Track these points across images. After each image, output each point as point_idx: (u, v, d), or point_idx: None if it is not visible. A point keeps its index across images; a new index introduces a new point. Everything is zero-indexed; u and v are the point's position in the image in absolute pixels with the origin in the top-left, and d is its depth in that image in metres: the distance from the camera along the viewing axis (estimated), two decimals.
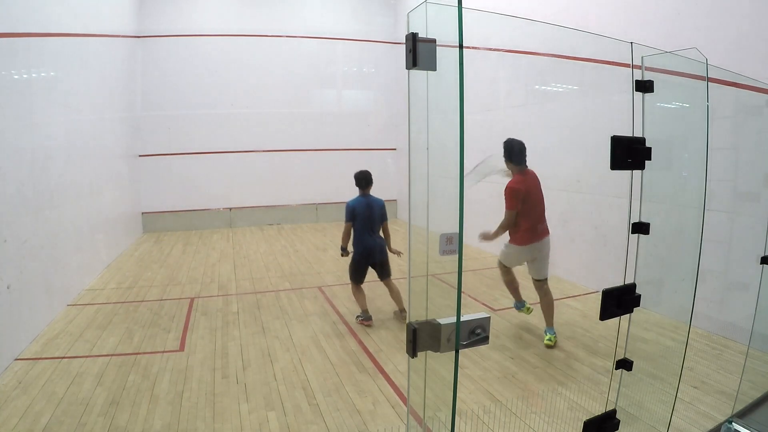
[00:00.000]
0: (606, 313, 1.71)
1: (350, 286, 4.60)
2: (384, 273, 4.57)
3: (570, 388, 3.22)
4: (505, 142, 3.90)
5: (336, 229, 9.93)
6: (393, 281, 4.65)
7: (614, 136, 1.67)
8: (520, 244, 3.97)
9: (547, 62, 6.15)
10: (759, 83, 3.13)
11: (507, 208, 3.84)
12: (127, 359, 3.71)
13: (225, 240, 9.02)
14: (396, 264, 6.90)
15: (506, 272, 4.23)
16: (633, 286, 1.76)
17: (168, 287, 5.80)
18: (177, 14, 9.76)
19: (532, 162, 6.53)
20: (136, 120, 9.30)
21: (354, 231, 4.46)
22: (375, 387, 3.28)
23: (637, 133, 1.74)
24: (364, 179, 4.54)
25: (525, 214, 3.83)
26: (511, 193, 3.81)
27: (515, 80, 7.13)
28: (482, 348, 3.60)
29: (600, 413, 1.89)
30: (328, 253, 7.76)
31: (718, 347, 3.84)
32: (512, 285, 4.30)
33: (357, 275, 4.52)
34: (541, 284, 4.05)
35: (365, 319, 4.43)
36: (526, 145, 3.97)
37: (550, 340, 3.91)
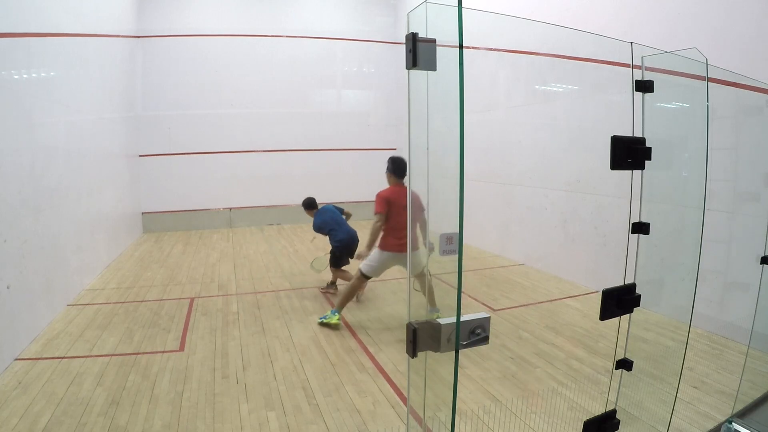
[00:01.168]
0: (606, 313, 1.72)
1: (335, 272, 5.42)
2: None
3: (570, 388, 3.22)
4: (392, 158, 4.36)
5: None
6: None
7: (614, 136, 1.68)
8: (381, 249, 4.35)
9: (547, 62, 6.15)
10: (759, 83, 3.13)
11: (375, 212, 4.30)
12: (127, 359, 3.71)
13: (225, 240, 9.02)
14: None
15: (362, 279, 4.50)
16: (633, 286, 1.76)
17: (168, 287, 5.80)
18: (177, 14, 9.76)
19: (531, 162, 6.56)
20: (136, 120, 9.30)
21: (333, 233, 5.35)
22: (375, 387, 3.28)
23: (637, 133, 1.74)
24: (314, 202, 5.71)
25: (388, 220, 4.25)
26: (378, 199, 4.27)
27: (515, 80, 7.14)
28: (482, 348, 3.60)
29: (600, 413, 1.89)
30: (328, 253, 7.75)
31: (718, 347, 3.84)
32: (354, 292, 4.56)
33: (341, 262, 5.38)
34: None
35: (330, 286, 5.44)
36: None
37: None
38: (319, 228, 5.45)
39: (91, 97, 6.46)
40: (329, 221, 5.40)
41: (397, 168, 4.30)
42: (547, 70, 6.31)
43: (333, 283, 5.55)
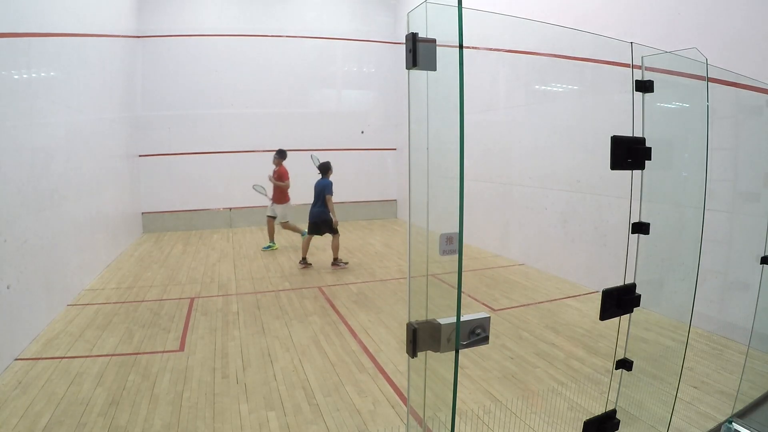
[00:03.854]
0: (606, 313, 1.72)
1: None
2: (325, 232, 6.67)
3: (570, 388, 3.22)
4: (279, 151, 7.76)
5: None
6: (335, 239, 6.72)
7: (614, 136, 1.68)
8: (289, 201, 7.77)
9: (547, 62, 6.15)
10: (759, 83, 3.13)
11: (286, 179, 7.73)
12: (127, 359, 3.71)
13: (225, 240, 9.02)
14: (396, 263, 6.91)
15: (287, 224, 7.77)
16: (633, 286, 1.76)
17: (168, 287, 5.80)
18: (177, 14, 9.76)
19: (531, 162, 6.57)
20: (136, 120, 9.30)
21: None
22: (375, 387, 3.28)
23: (637, 133, 1.74)
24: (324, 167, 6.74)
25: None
26: (286, 174, 7.78)
27: (515, 80, 7.14)
28: (482, 348, 3.60)
29: (600, 413, 1.89)
30: (328, 252, 7.75)
31: (718, 347, 3.84)
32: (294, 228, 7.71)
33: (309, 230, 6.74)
34: (270, 220, 7.95)
35: (305, 265, 6.73)
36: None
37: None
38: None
39: (91, 97, 6.46)
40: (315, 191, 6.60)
41: (279, 153, 7.75)
42: (547, 70, 6.31)
43: (304, 259, 6.80)
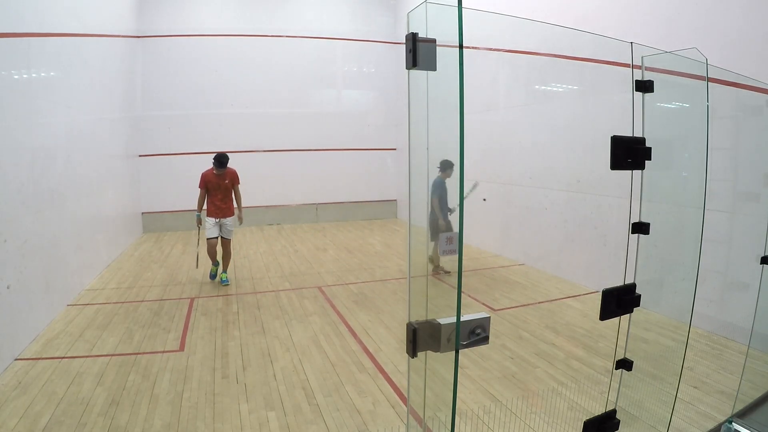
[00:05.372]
0: (606, 313, 1.72)
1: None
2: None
3: (570, 388, 3.22)
4: (215, 156, 5.94)
5: (336, 229, 9.95)
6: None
7: (614, 136, 1.68)
8: (208, 216, 5.87)
9: (547, 62, 6.15)
10: (759, 83, 3.13)
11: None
12: (127, 359, 3.71)
13: None
14: (396, 263, 6.92)
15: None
16: (633, 286, 1.76)
17: (168, 287, 5.80)
18: (177, 14, 9.76)
19: (531, 162, 6.57)
20: (136, 120, 9.29)
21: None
22: (375, 387, 3.28)
23: (637, 133, 1.74)
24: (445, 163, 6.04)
25: (208, 195, 5.89)
26: (201, 178, 5.94)
27: (515, 80, 7.14)
28: (482, 348, 3.60)
29: (600, 413, 1.89)
30: (328, 253, 7.76)
31: (718, 347, 3.84)
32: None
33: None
34: (227, 242, 5.97)
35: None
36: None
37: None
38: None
39: (91, 97, 6.45)
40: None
41: (214, 160, 5.92)
42: (547, 70, 6.31)
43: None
